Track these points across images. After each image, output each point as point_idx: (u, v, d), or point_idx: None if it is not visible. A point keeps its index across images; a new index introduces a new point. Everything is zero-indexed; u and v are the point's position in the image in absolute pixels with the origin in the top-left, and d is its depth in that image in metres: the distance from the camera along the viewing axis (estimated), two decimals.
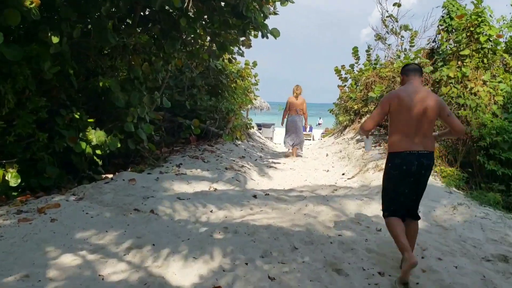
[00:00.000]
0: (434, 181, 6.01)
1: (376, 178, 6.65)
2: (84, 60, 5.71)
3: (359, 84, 14.39)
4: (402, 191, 3.42)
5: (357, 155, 8.68)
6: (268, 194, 5.81)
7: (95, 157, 5.75)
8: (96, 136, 5.58)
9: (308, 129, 25.40)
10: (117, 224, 4.11)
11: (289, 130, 10.80)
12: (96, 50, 5.71)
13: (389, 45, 15.02)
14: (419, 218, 3.57)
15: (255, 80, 15.20)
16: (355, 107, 12.91)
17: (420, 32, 14.56)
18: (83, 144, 5.48)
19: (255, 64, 14.10)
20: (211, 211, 4.85)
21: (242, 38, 8.65)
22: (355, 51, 14.55)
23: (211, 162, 7.20)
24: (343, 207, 5.26)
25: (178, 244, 3.80)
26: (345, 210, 5.14)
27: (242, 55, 10.16)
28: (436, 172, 6.20)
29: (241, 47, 8.77)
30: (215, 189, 5.79)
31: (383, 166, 6.13)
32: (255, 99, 17.87)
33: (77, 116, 5.42)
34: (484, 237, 4.15)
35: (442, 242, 4.08)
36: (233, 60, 12.04)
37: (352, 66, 14.71)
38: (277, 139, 18.83)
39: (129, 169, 6.49)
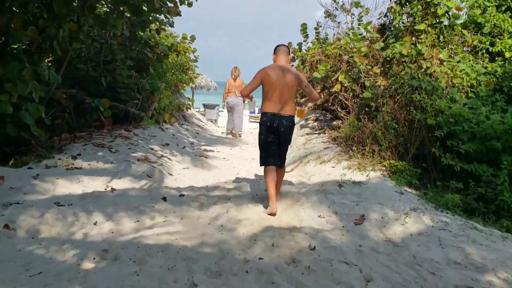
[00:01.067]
0: (382, 177, 5.09)
1: (316, 173, 5.65)
2: None
3: (306, 64, 13.42)
4: (269, 144, 4.47)
5: (298, 143, 7.65)
6: (183, 195, 4.63)
7: None
8: None
9: (257, 111, 24.35)
10: None
11: (229, 112, 11.17)
12: None
13: (338, 23, 14.15)
14: (282, 166, 4.57)
15: (194, 56, 13.79)
16: None
17: (371, 10, 13.78)
18: None
19: (193, 38, 12.68)
20: (94, 223, 3.61)
21: (170, 5, 7.32)
22: (304, 28, 13.46)
23: (121, 151, 5.88)
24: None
25: (18, 284, 2.56)
26: (273, 217, 4.08)
27: (171, 25, 8.79)
28: (384, 166, 5.27)
29: (168, 14, 7.40)
30: (113, 189, 4.52)
31: (326, 158, 5.92)
32: (196, 78, 16.42)
33: None
34: (444, 258, 3.20)
35: (392, 266, 3.10)
36: (162, 31, 10.62)
37: (300, 45, 13.66)
38: (222, 121, 17.55)
39: (11, 161, 5.07)
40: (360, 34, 8.38)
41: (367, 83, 6.65)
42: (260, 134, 4.54)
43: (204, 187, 5.16)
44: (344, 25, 14.00)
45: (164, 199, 4.37)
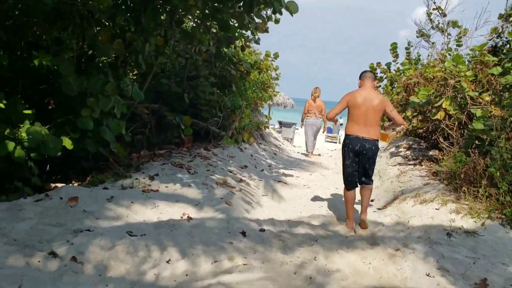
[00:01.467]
0: (501, 228, 4.17)
1: (416, 214, 4.85)
2: (23, 28, 4.16)
3: (395, 85, 12.48)
4: (350, 165, 4.64)
5: (391, 174, 6.86)
6: (264, 230, 4.12)
7: (30, 162, 4.21)
8: (31, 132, 4.03)
9: (327, 130, 23.15)
10: None
11: (307, 133, 10.88)
12: (41, 15, 4.14)
13: (433, 43, 13.05)
14: (369, 183, 4.76)
15: (276, 74, 13.48)
16: None
17: (471, 30, 12.56)
18: (11, 145, 3.95)
19: (276, 55, 12.38)
20: (168, 261, 3.22)
21: (257, 20, 7.01)
22: (394, 47, 12.61)
23: (199, 173, 5.56)
24: (366, 260, 3.56)
25: None
26: (370, 269, 3.42)
27: (257, 42, 8.49)
28: (505, 215, 4.34)
29: (254, 30, 7.09)
30: (189, 218, 4.15)
31: (427, 196, 5.23)
32: (275, 95, 16.10)
33: (2, 106, 3.88)
34: None
35: None
36: (247, 48, 10.41)
37: (389, 64, 12.78)
38: (299, 140, 16.97)
39: (88, 179, 4.94)
40: (461, 56, 7.42)
41: (477, 112, 5.74)
42: (344, 156, 4.73)
43: (286, 221, 4.62)
44: (439, 46, 12.94)
45: (244, 233, 3.90)
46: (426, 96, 6.27)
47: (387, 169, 7.17)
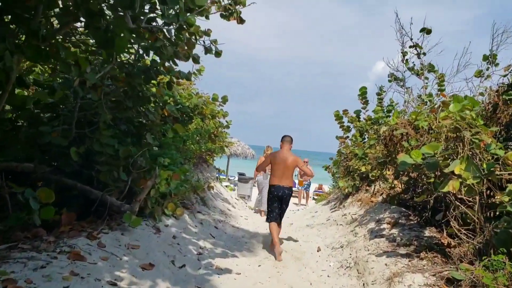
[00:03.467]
0: None
1: None
2: None
3: (366, 136, 10.50)
4: (274, 206, 6.57)
5: (376, 273, 4.50)
6: None
7: None
8: None
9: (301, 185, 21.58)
10: None
11: (259, 190, 11.31)
12: None
13: (407, 88, 11.33)
14: (280, 221, 6.76)
15: (226, 122, 11.25)
16: (363, 169, 8.89)
17: (450, 74, 10.97)
18: None
19: (225, 99, 10.20)
20: None
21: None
22: (363, 92, 10.75)
23: None
24: None
25: None
26: None
27: (188, 78, 6.28)
28: None
29: (171, 56, 4.87)
30: None
31: None
32: (228, 146, 13.84)
33: None
34: None
35: None
36: (183, 89, 8.21)
37: (358, 112, 10.86)
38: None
39: None
40: (463, 100, 5.40)
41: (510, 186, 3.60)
42: (268, 200, 6.70)
43: None
44: (415, 91, 11.22)
45: None
46: (431, 156, 4.08)
47: (369, 261, 4.83)
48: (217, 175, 14.16)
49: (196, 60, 5.62)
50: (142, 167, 5.56)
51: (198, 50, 6.81)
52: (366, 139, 10.41)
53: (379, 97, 10.81)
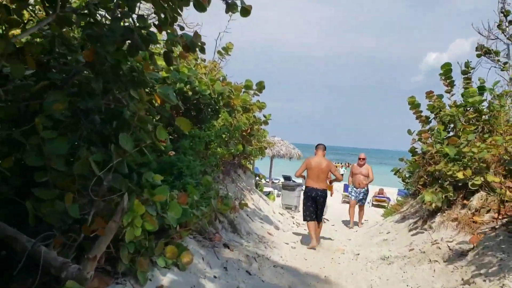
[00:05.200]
0: None
1: None
2: None
3: (454, 127, 7.70)
4: (308, 205, 7.27)
5: None
6: None
7: None
8: None
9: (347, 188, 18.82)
10: None
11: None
12: None
13: (505, 63, 8.39)
14: (321, 221, 7.47)
15: (264, 116, 8.85)
16: (459, 175, 6.19)
17: None
18: None
19: (261, 86, 7.80)
20: None
21: None
22: (446, 70, 7.91)
23: None
24: None
25: None
26: None
27: (202, 49, 3.99)
28: None
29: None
30: None
31: None
32: (268, 146, 11.44)
33: None
34: None
35: None
36: (203, 68, 5.98)
37: (439, 98, 8.03)
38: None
39: None
40: None
41: None
42: (304, 200, 7.41)
43: None
44: None
45: None
46: None
47: None
48: (256, 181, 11.78)
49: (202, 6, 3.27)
50: (116, 190, 3.26)
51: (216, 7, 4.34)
52: (452, 134, 7.63)
53: (466, 76, 7.96)
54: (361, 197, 10.45)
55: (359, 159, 10.48)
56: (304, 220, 7.41)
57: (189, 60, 7.10)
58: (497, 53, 8.30)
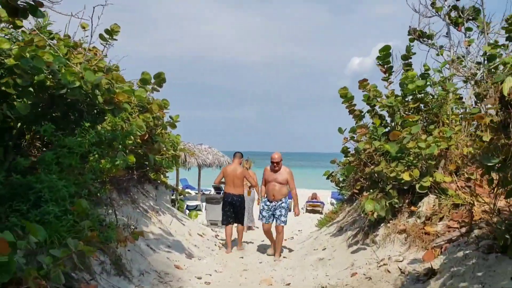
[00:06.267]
0: None
1: None
2: None
3: (392, 120, 6.64)
4: (227, 211, 7.66)
5: None
6: None
7: None
8: None
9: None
10: None
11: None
12: None
13: (441, 46, 7.54)
14: (242, 223, 7.89)
15: (171, 118, 7.27)
16: (405, 176, 5.08)
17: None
18: None
19: (160, 79, 6.24)
20: None
21: None
22: (385, 54, 6.80)
23: None
24: None
25: None
26: None
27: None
28: None
29: None
30: None
31: None
32: (180, 155, 9.87)
33: None
34: None
35: None
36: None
37: (374, 88, 6.91)
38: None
39: None
40: None
41: None
42: (222, 206, 7.78)
43: None
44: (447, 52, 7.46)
45: None
46: None
47: None
48: (174, 197, 10.08)
49: None
50: None
51: None
52: (389, 129, 6.56)
53: (406, 62, 6.96)
54: (277, 215, 7.14)
55: (272, 163, 7.29)
56: (222, 224, 8.01)
57: (58, 46, 5.40)
58: (430, 36, 7.42)
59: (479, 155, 2.80)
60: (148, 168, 7.35)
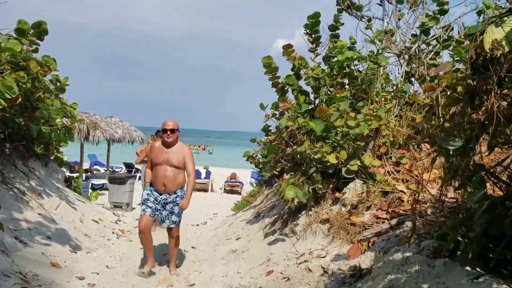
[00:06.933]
0: None
1: None
2: None
3: (317, 96, 6.01)
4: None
5: None
6: None
7: None
8: None
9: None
10: None
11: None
12: None
13: (369, 19, 7.05)
14: None
15: (58, 80, 5.95)
16: (330, 159, 4.44)
17: None
18: None
19: (40, 29, 4.90)
20: None
21: None
22: (314, 23, 6.06)
23: None
24: None
25: None
26: None
27: None
28: None
29: None
30: None
31: None
32: (78, 124, 8.53)
33: None
34: None
35: None
36: None
37: (301, 56, 6.17)
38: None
39: None
40: None
41: None
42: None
43: None
44: (378, 24, 7.03)
45: None
46: None
47: None
48: (70, 175, 8.69)
49: None
50: None
51: None
52: (314, 106, 5.92)
53: (334, 33, 6.33)
54: (168, 212, 4.97)
55: (165, 131, 4.91)
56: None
57: None
58: (359, 8, 6.87)
59: (436, 136, 2.11)
60: (25, 140, 5.97)
